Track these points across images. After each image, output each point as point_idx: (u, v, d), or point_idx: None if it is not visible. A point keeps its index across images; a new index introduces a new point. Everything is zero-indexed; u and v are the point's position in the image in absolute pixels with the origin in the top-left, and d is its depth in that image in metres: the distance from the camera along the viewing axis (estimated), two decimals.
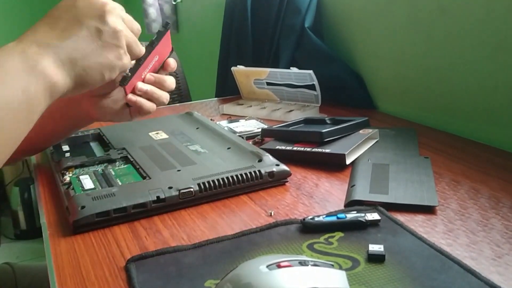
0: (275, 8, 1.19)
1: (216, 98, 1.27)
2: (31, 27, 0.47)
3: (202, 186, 0.62)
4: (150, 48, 0.61)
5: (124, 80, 0.59)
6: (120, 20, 0.51)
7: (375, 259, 0.48)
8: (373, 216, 0.55)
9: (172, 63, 0.64)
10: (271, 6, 1.21)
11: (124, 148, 0.77)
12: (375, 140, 0.82)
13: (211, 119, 0.96)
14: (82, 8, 0.48)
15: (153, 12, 2.13)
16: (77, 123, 0.71)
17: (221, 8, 1.39)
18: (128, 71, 0.58)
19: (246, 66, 1.13)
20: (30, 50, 0.44)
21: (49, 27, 0.46)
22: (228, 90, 1.30)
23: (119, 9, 0.52)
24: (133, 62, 0.59)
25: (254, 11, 1.26)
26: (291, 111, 1.01)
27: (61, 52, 0.45)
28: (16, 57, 0.42)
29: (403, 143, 0.81)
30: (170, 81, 0.64)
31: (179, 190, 0.61)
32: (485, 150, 0.79)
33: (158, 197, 0.60)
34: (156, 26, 2.14)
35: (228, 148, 0.75)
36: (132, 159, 0.72)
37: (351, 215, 0.55)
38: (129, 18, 0.54)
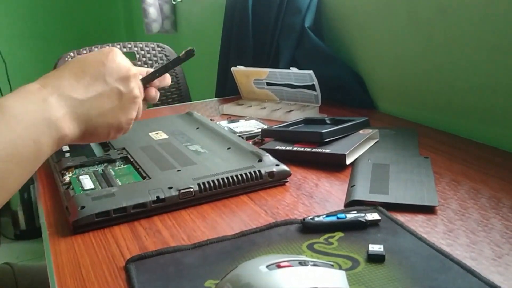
0: (275, 8, 1.19)
1: (216, 98, 1.27)
2: (57, 72, 0.48)
3: (202, 186, 0.62)
4: (164, 70, 0.61)
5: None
6: (137, 87, 0.53)
7: (375, 259, 0.48)
8: (373, 216, 0.55)
9: (168, 79, 0.64)
10: (271, 6, 1.20)
11: (124, 148, 0.77)
12: (375, 140, 0.82)
13: (211, 119, 0.96)
14: (109, 68, 0.49)
15: (153, 12, 2.12)
16: None
17: (221, 8, 1.39)
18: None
19: (246, 66, 1.13)
20: (52, 100, 0.44)
21: (75, 79, 0.47)
22: (228, 90, 1.30)
23: (138, 76, 0.54)
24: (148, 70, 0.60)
25: (254, 11, 1.26)
26: (291, 111, 1.01)
27: (80, 107, 0.46)
28: (36, 105, 0.43)
29: (403, 143, 0.81)
30: (168, 80, 0.64)
31: (179, 190, 0.61)
32: (485, 150, 0.79)
33: (158, 197, 0.60)
34: (156, 26, 2.13)
35: (228, 148, 0.74)
36: (132, 159, 0.72)
37: (351, 215, 0.55)
38: (141, 85, 0.56)
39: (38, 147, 0.42)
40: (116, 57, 0.50)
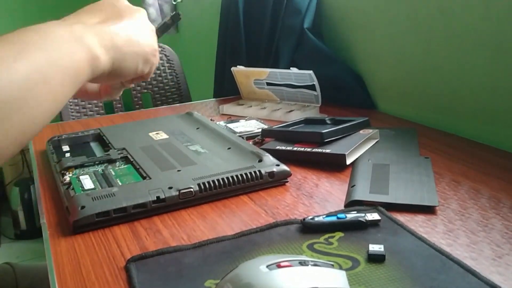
0: (270, 9, 1.19)
1: (215, 99, 1.27)
2: (71, 14, 0.49)
3: (202, 186, 0.62)
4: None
5: None
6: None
7: (375, 259, 0.48)
8: (373, 216, 0.55)
9: None
10: (265, 7, 1.21)
11: (124, 148, 0.77)
12: (375, 140, 0.82)
13: (211, 119, 0.96)
14: (121, 6, 0.51)
15: (152, 12, 2.13)
16: None
17: (220, 9, 1.39)
18: None
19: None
20: (76, 27, 0.45)
21: (92, 15, 0.49)
22: (225, 90, 1.30)
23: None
24: None
25: (246, 13, 1.27)
26: (291, 111, 1.01)
27: (105, 35, 0.47)
28: (62, 29, 0.44)
29: (404, 143, 0.81)
30: None
31: (179, 190, 0.61)
32: (485, 150, 0.79)
33: (158, 197, 0.60)
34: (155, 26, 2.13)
35: (228, 148, 0.75)
36: (132, 159, 0.72)
37: (351, 215, 0.55)
38: None
39: (73, 62, 0.43)
40: (127, 6, 0.52)
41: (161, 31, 0.61)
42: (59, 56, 0.42)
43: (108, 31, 0.48)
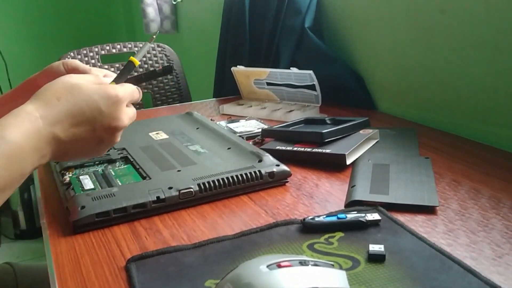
0: (274, 9, 1.19)
1: (215, 99, 1.27)
2: (59, 102, 0.48)
3: (202, 186, 0.62)
4: (136, 83, 0.57)
5: None
6: (120, 132, 0.53)
7: (376, 259, 0.48)
8: (374, 216, 0.55)
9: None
10: (269, 6, 1.21)
11: (124, 148, 0.77)
12: (376, 141, 0.82)
13: (211, 119, 0.96)
14: (104, 117, 0.49)
15: (151, 11, 2.12)
16: None
17: (221, 8, 1.39)
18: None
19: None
20: (44, 137, 0.46)
21: (70, 117, 0.48)
22: (225, 91, 1.30)
23: (130, 120, 0.53)
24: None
25: (251, 12, 1.26)
26: (291, 111, 1.01)
27: (62, 146, 0.48)
28: (31, 139, 0.45)
29: (404, 144, 0.81)
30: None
31: (179, 190, 0.61)
32: (485, 150, 0.79)
33: (158, 197, 0.60)
34: (154, 26, 2.13)
35: (228, 149, 0.74)
36: (132, 159, 0.72)
37: (352, 215, 0.55)
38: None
39: (22, 178, 0.45)
40: (116, 110, 0.50)
41: (148, 77, 0.60)
42: (10, 175, 0.43)
43: (67, 145, 0.48)
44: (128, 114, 0.52)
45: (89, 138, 0.49)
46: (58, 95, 0.48)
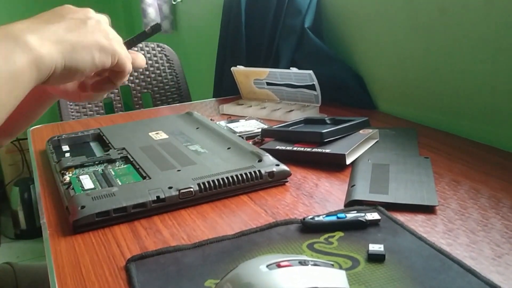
0: (273, 9, 1.20)
1: (215, 99, 1.27)
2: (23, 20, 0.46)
3: (202, 186, 0.62)
4: (128, 47, 0.57)
5: None
6: (107, 25, 0.52)
7: (375, 258, 0.48)
8: (373, 216, 0.55)
9: (141, 59, 0.59)
10: (268, 7, 1.21)
11: (124, 148, 0.77)
12: (375, 140, 0.82)
13: (211, 119, 0.96)
14: (66, 9, 0.49)
15: (152, 12, 2.13)
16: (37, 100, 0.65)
17: (220, 9, 1.39)
18: None
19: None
20: (12, 27, 0.43)
21: (31, 21, 0.46)
22: (225, 90, 1.30)
23: (103, 20, 0.52)
24: None
25: (249, 13, 1.27)
26: (291, 111, 1.01)
27: (46, 31, 0.45)
28: (4, 34, 0.42)
29: (403, 143, 0.81)
30: (141, 59, 0.59)
31: (179, 190, 0.61)
32: (485, 150, 0.79)
33: (158, 197, 0.60)
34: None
35: (228, 148, 0.75)
36: (132, 159, 0.72)
37: (351, 215, 0.55)
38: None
39: (11, 66, 0.41)
40: (71, 8, 0.50)
41: (138, 39, 0.59)
42: None
43: (50, 29, 0.45)
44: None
45: (63, 21, 0.47)
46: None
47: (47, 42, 0.44)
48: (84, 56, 0.47)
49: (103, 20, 0.52)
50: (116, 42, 0.52)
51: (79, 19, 0.49)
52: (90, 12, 0.51)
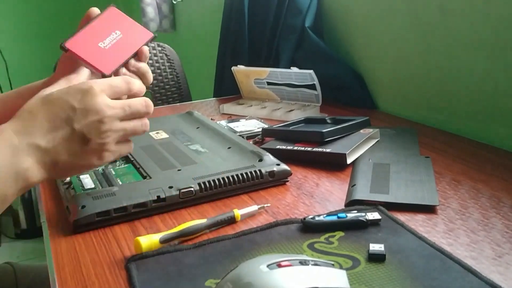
0: (274, 9, 1.19)
1: (215, 98, 1.27)
2: (32, 114, 0.47)
3: (203, 186, 0.62)
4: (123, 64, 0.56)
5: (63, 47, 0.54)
6: (115, 124, 0.50)
7: (376, 258, 0.48)
8: (374, 215, 0.55)
9: (146, 51, 0.59)
10: (269, 6, 1.21)
11: None
12: (376, 140, 0.82)
13: (211, 119, 0.96)
14: (79, 112, 0.48)
15: (151, 11, 2.13)
16: None
17: (220, 8, 1.39)
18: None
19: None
20: (21, 151, 0.46)
21: (46, 124, 0.47)
22: (225, 90, 1.30)
23: (115, 111, 0.49)
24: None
25: (250, 12, 1.26)
26: (291, 110, 1.01)
27: (46, 155, 0.47)
28: (8, 158, 0.45)
29: (404, 143, 0.81)
30: (149, 76, 0.59)
31: (180, 190, 0.61)
32: (486, 150, 0.79)
33: (158, 196, 0.60)
34: (154, 26, 2.13)
35: (229, 148, 0.74)
36: (132, 159, 0.72)
37: (352, 215, 0.55)
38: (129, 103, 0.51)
39: (3, 198, 0.45)
40: (89, 99, 0.48)
41: (132, 55, 0.58)
42: None
43: (52, 153, 0.47)
44: (109, 104, 0.48)
45: (71, 139, 0.47)
46: (31, 109, 0.48)
47: (42, 169, 0.47)
48: (70, 174, 0.54)
49: (110, 133, 0.50)
50: (107, 154, 0.51)
51: (82, 135, 0.48)
52: (106, 130, 0.49)
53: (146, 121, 0.53)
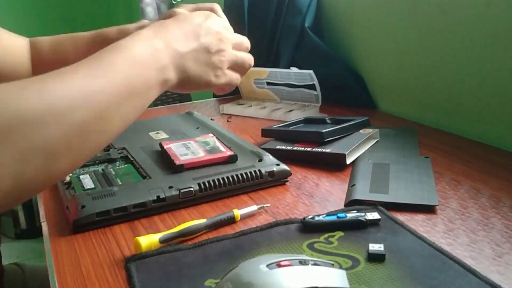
0: (274, 9, 1.19)
1: (215, 98, 1.27)
2: (168, 23, 0.53)
3: (202, 186, 0.62)
4: None
5: None
6: (229, 48, 0.58)
7: (375, 258, 0.48)
8: (373, 215, 0.55)
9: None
10: (269, 6, 1.20)
11: (124, 148, 0.77)
12: (376, 140, 0.82)
13: (211, 119, 0.96)
14: (205, 29, 0.55)
15: (150, 11, 2.13)
16: None
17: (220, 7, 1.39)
18: None
19: None
20: (162, 49, 0.49)
21: (179, 32, 0.53)
22: None
23: (230, 35, 0.59)
24: None
25: (251, 12, 1.26)
26: (291, 110, 1.01)
27: (180, 58, 0.51)
28: (150, 52, 0.48)
29: (404, 143, 0.81)
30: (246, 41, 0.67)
31: (179, 190, 0.61)
32: (485, 150, 0.79)
33: (158, 196, 0.60)
34: None
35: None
36: (132, 159, 0.72)
37: (351, 215, 0.55)
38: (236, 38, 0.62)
39: (148, 88, 0.47)
40: (212, 20, 0.56)
41: None
42: (136, 81, 0.45)
43: (184, 57, 0.52)
44: (227, 27, 0.59)
45: (198, 49, 0.53)
46: (161, 22, 0.53)
47: (175, 70, 0.51)
48: (193, 85, 0.55)
49: (227, 53, 0.57)
50: (223, 77, 0.58)
51: (206, 48, 0.54)
52: (220, 44, 0.56)
53: (252, 57, 0.65)
